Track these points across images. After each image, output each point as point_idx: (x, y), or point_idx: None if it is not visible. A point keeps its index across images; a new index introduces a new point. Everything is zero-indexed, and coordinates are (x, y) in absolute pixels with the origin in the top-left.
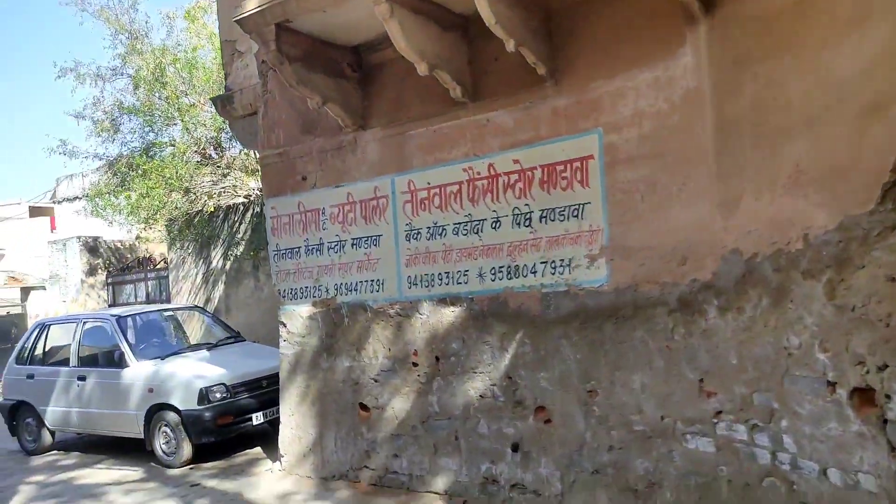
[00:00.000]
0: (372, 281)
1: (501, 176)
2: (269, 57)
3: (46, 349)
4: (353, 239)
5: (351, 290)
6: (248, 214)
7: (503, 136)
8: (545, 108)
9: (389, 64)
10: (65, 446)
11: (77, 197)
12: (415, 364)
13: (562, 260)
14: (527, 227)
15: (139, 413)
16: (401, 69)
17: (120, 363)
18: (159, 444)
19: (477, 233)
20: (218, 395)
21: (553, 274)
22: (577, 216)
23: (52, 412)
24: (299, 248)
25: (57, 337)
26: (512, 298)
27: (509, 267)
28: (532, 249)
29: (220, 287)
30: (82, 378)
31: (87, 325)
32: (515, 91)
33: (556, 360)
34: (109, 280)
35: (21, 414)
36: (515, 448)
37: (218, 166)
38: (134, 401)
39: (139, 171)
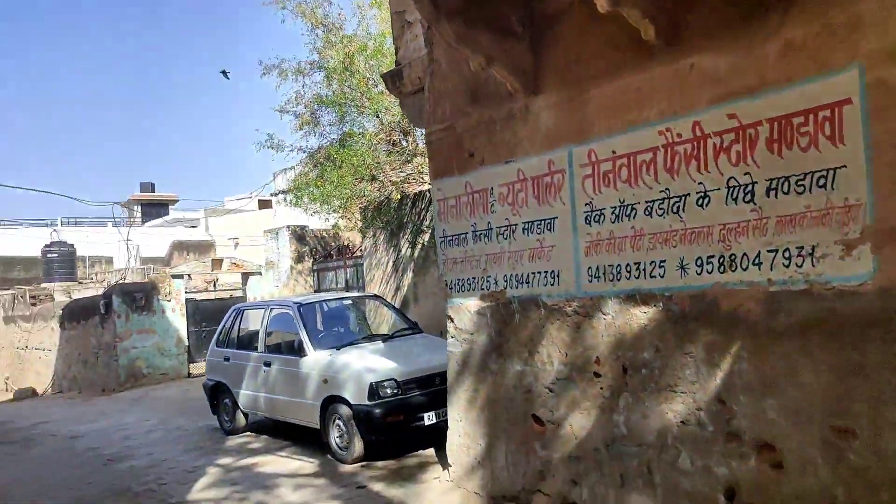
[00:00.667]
0: (546, 272)
1: (711, 137)
2: (424, 12)
3: (241, 333)
4: (525, 223)
5: (522, 283)
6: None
7: (713, 85)
8: (774, 42)
9: (565, 13)
10: (257, 428)
11: (282, 191)
12: (597, 374)
13: (800, 248)
14: (747, 203)
15: (315, 403)
16: (579, 18)
17: (299, 351)
18: (333, 438)
19: (677, 212)
20: (388, 391)
21: (786, 266)
22: (823, 186)
23: (244, 395)
24: (466, 234)
25: (250, 321)
26: (725, 298)
27: (721, 257)
28: (755, 233)
29: (409, 275)
30: (268, 364)
31: (274, 312)
32: (728, 25)
33: (789, 384)
34: (315, 267)
35: (220, 394)
36: (731, 495)
37: (402, 153)
38: (311, 391)
39: (333, 162)
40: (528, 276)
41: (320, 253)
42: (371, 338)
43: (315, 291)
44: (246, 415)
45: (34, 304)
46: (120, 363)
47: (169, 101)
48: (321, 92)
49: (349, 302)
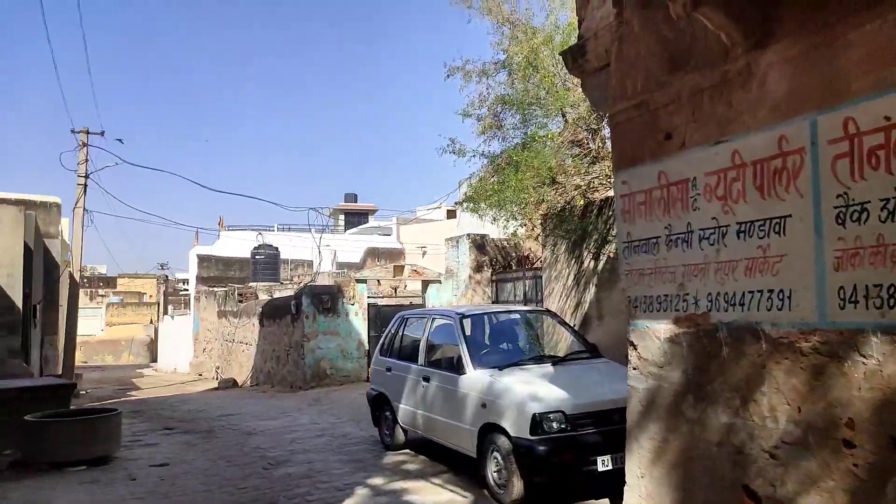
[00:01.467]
0: (770, 292)
1: None
2: None
3: (403, 343)
4: (740, 224)
5: (734, 305)
6: None
7: None
8: None
9: None
10: (417, 446)
11: (463, 199)
12: (847, 443)
13: None
14: None
15: (472, 430)
16: None
17: (458, 368)
18: (490, 472)
19: None
20: (555, 425)
21: None
22: None
23: (403, 410)
24: (658, 238)
25: (412, 331)
26: None
27: None
28: None
29: (591, 290)
30: (427, 379)
31: (436, 322)
32: None
33: None
34: (493, 277)
35: (381, 406)
36: None
37: (588, 155)
38: (468, 415)
39: (514, 166)
40: (742, 295)
41: (500, 263)
42: (540, 359)
43: (492, 302)
44: (405, 430)
45: (241, 301)
46: (307, 362)
47: (375, 111)
48: (504, 92)
49: (519, 316)
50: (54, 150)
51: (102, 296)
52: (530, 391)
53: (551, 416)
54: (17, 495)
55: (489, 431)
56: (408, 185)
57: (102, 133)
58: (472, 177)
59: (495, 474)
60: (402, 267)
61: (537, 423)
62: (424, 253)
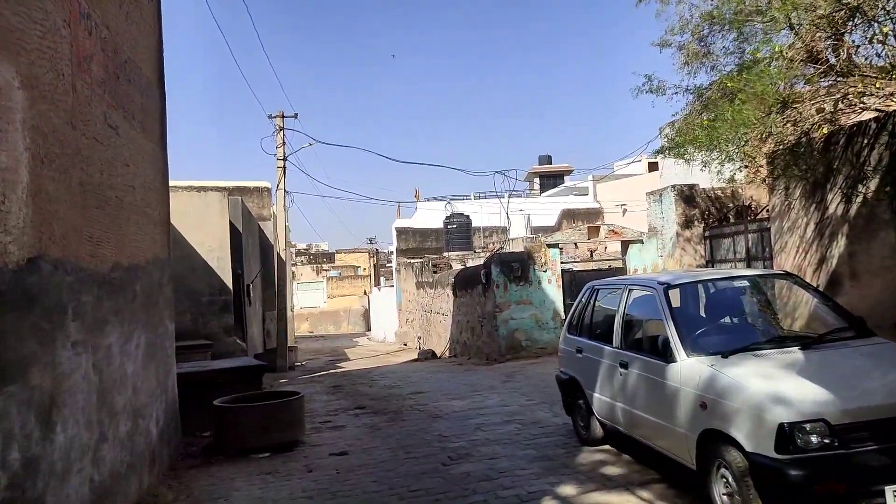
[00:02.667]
0: None
1: None
2: None
3: (594, 319)
4: None
5: None
6: (883, 136)
7: None
8: None
9: None
10: (619, 442)
11: (664, 146)
12: None
13: None
14: None
15: (688, 435)
16: None
17: (665, 354)
18: (718, 494)
19: None
20: (813, 440)
21: None
22: None
23: (598, 400)
24: None
25: (605, 304)
26: None
27: None
28: None
29: (841, 242)
30: (624, 365)
31: (634, 294)
32: None
33: None
34: (706, 233)
35: (573, 393)
36: None
37: (829, 71)
38: (681, 414)
39: (728, 96)
40: None
41: (713, 216)
42: (782, 341)
43: (706, 263)
44: (603, 423)
45: (435, 272)
46: (500, 334)
47: (563, 68)
48: (712, 6)
49: (746, 282)
50: (252, 136)
51: (326, 270)
52: (772, 389)
53: (807, 426)
54: (201, 485)
55: (713, 440)
56: (604, 140)
57: (296, 115)
58: (674, 118)
59: (725, 497)
60: (598, 228)
61: (787, 436)
62: (625, 211)
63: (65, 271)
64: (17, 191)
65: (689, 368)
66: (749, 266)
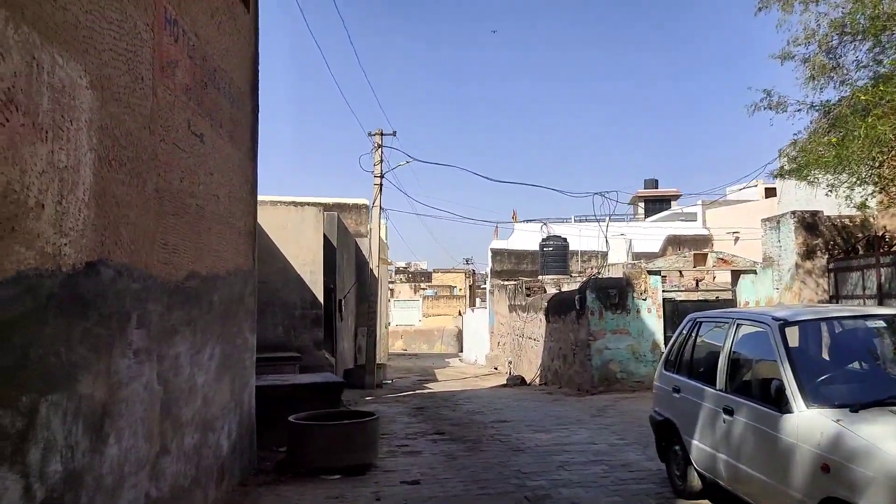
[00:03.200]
0: None
1: None
2: None
3: (695, 355)
4: None
5: None
6: None
7: None
8: None
9: None
10: (720, 497)
11: (781, 170)
12: None
13: None
14: None
15: (805, 501)
16: None
17: (779, 402)
18: None
19: None
20: None
21: None
22: None
23: (697, 448)
24: None
25: (709, 339)
26: None
27: None
28: None
29: None
30: (729, 412)
31: (742, 330)
32: None
33: None
34: (830, 265)
35: (668, 436)
36: None
37: None
38: (797, 476)
39: (861, 111)
40: None
41: (839, 247)
42: None
43: (830, 298)
44: (702, 475)
45: (528, 296)
46: (593, 364)
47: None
48: (843, 14)
49: (881, 322)
50: (351, 153)
51: (423, 289)
52: None
53: None
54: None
55: None
56: (715, 163)
57: (394, 133)
58: (796, 138)
59: None
60: (705, 255)
61: None
62: (736, 239)
63: (130, 277)
64: (76, 191)
65: (808, 422)
66: (881, 304)
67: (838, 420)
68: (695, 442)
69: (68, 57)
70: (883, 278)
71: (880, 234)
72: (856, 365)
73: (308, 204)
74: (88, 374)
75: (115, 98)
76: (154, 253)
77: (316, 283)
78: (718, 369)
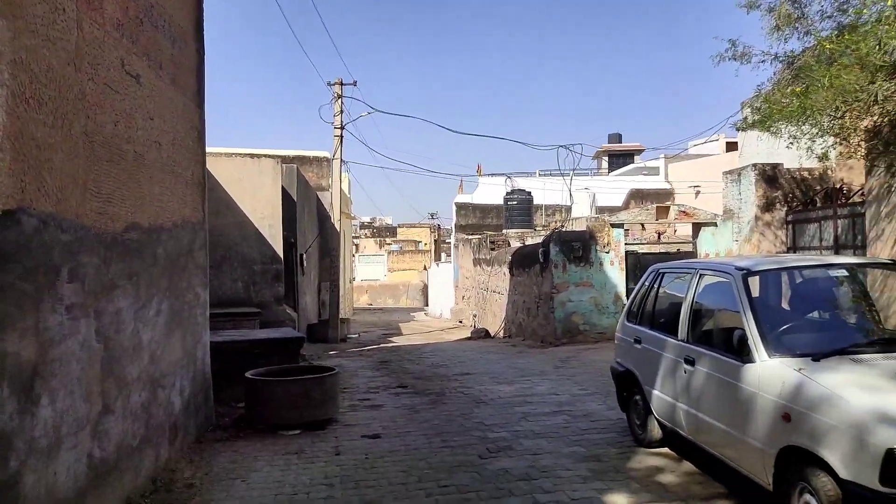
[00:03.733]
0: None
1: None
2: None
3: (657, 307)
4: None
5: None
6: None
7: None
8: None
9: None
10: (680, 446)
11: (744, 122)
12: None
13: None
14: None
15: (766, 450)
16: None
17: (741, 351)
18: None
19: None
20: None
21: None
22: None
23: (658, 398)
24: None
25: (671, 290)
26: None
27: None
28: None
29: None
30: (690, 361)
31: (705, 280)
32: None
33: None
34: (789, 217)
35: (630, 388)
36: None
37: None
38: (758, 425)
39: (824, 61)
40: None
41: (798, 199)
42: (888, 344)
43: (788, 250)
44: (663, 424)
45: (492, 250)
46: (556, 316)
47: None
48: None
49: (842, 271)
50: (312, 104)
51: (388, 244)
52: (878, 405)
53: None
54: (221, 462)
55: (796, 459)
56: (678, 117)
57: (355, 83)
58: (760, 89)
59: None
60: (667, 208)
61: (893, 462)
62: (698, 193)
63: (58, 228)
64: None
65: (770, 371)
66: (837, 255)
67: (800, 369)
68: (655, 392)
69: None
70: (839, 230)
71: (838, 186)
72: (816, 314)
73: (266, 156)
74: (13, 331)
75: (31, 29)
76: (86, 202)
77: (275, 238)
78: (680, 320)
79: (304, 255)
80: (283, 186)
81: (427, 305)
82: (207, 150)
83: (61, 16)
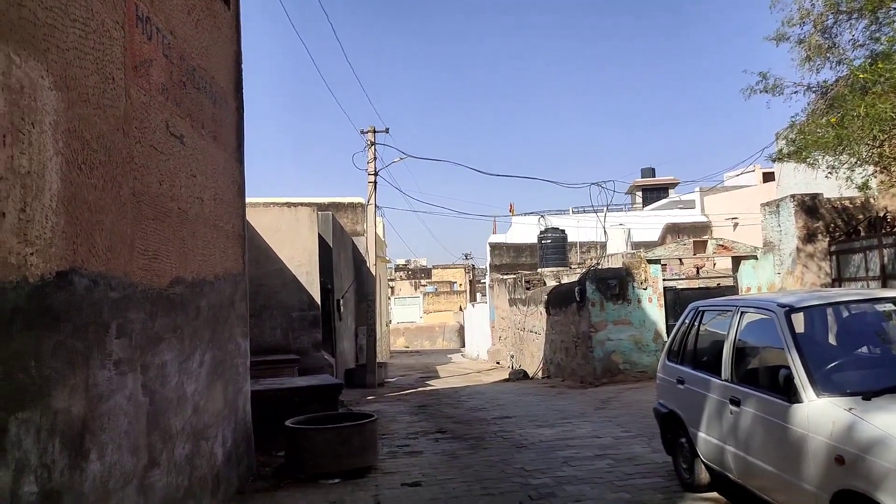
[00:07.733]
0: None
1: None
2: None
3: (698, 345)
4: None
5: None
6: None
7: None
8: None
9: None
10: (729, 491)
11: (779, 154)
12: None
13: None
14: None
15: (819, 494)
16: None
17: (788, 391)
18: None
19: None
20: None
21: None
22: None
23: (704, 441)
24: None
25: (712, 328)
26: None
27: None
28: None
29: None
30: (736, 402)
31: (746, 318)
32: None
33: None
34: (832, 248)
35: (673, 429)
36: None
37: None
38: (810, 468)
39: (859, 90)
40: None
41: (840, 229)
42: None
43: (832, 282)
44: (710, 467)
45: (528, 289)
46: (595, 355)
47: (662, 78)
48: None
49: (889, 306)
50: (345, 152)
51: (423, 286)
52: None
53: None
54: None
55: (853, 503)
56: (712, 150)
57: (387, 130)
58: (793, 120)
59: None
60: (705, 242)
61: None
62: (736, 225)
63: (108, 286)
64: (42, 198)
65: (819, 412)
66: (885, 286)
67: (850, 409)
68: (701, 434)
69: (26, 56)
70: (886, 259)
71: (881, 214)
72: (864, 350)
73: (302, 204)
74: (64, 388)
75: (84, 99)
76: (133, 259)
77: (313, 284)
78: (723, 359)
79: (341, 301)
80: (319, 234)
81: (464, 346)
82: (246, 200)
83: (111, 84)
